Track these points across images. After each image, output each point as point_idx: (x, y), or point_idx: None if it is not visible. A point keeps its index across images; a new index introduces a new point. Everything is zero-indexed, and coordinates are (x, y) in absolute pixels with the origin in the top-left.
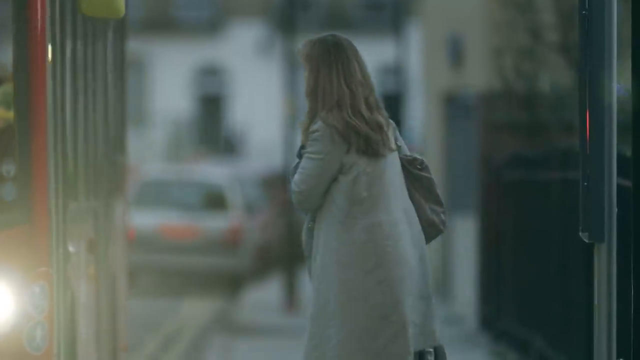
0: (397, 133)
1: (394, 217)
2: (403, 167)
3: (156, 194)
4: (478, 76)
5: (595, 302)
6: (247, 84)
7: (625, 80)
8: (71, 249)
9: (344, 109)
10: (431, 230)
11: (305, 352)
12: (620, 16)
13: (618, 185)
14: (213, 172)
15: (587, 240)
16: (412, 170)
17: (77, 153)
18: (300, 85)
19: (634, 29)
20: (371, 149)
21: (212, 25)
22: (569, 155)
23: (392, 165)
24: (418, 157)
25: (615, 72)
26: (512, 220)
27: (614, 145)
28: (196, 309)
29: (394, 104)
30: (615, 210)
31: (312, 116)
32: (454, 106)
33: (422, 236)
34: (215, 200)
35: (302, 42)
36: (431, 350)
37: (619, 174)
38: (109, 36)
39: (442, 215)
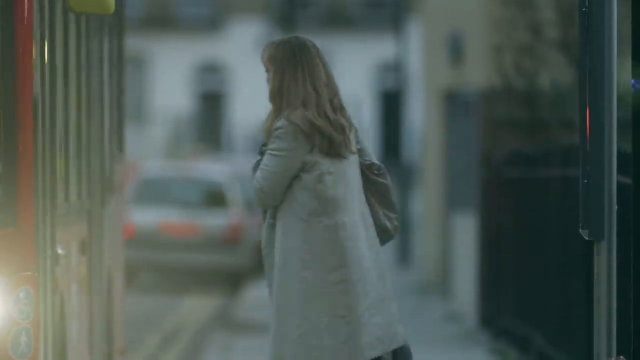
0: (360, 136)
1: (354, 219)
2: (361, 171)
3: (156, 192)
4: (478, 73)
5: (595, 299)
6: (247, 81)
7: (625, 78)
8: (60, 251)
9: (309, 109)
10: (383, 235)
11: (270, 345)
12: (620, 13)
13: (618, 183)
14: (213, 169)
15: (587, 238)
16: (369, 175)
17: (68, 152)
18: None
19: (634, 26)
20: (334, 150)
21: (211, 23)
22: (569, 152)
23: (352, 168)
24: (376, 162)
25: (615, 69)
26: (512, 218)
27: (614, 143)
28: (196, 307)
29: (394, 101)
30: (615, 207)
31: (277, 117)
32: (453, 103)
33: (377, 240)
34: (215, 198)
35: (264, 45)
36: (389, 352)
37: (619, 171)
38: (105, 33)
39: (395, 221)
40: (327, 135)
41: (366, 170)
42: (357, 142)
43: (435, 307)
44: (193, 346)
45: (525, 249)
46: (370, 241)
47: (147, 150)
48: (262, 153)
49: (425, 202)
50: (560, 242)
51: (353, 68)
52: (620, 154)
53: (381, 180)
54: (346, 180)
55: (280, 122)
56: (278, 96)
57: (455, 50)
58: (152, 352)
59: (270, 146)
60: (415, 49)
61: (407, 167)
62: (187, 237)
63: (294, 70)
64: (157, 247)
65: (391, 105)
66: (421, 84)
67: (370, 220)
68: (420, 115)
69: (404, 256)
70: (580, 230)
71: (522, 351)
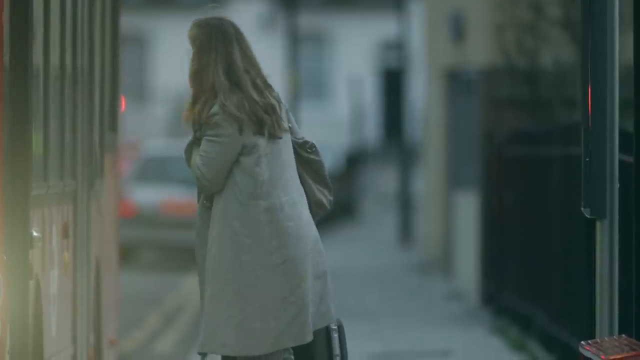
0: (290, 114)
1: (293, 198)
2: (294, 149)
3: (158, 170)
4: (480, 52)
5: (597, 277)
6: None
7: (627, 57)
8: (35, 233)
9: (236, 94)
10: (319, 210)
11: (206, 332)
12: None
13: (620, 161)
14: None
15: (588, 216)
16: (302, 153)
17: (47, 131)
18: (302, 61)
19: (635, 4)
20: (266, 132)
21: (213, 1)
22: (571, 130)
23: (287, 147)
24: (308, 140)
25: (617, 47)
26: (514, 196)
27: (615, 121)
28: (197, 286)
29: (396, 80)
30: (617, 185)
31: (197, 100)
32: (455, 82)
33: (311, 217)
34: None
35: (193, 20)
36: (335, 327)
37: (620, 149)
38: (96, 9)
39: (329, 196)
40: (258, 118)
41: (299, 148)
42: (288, 121)
43: (437, 286)
44: (194, 325)
45: (527, 228)
46: (309, 218)
47: (149, 129)
48: (198, 137)
49: (427, 181)
50: (562, 221)
51: (355, 47)
52: (622, 132)
53: (314, 157)
54: (282, 160)
55: (217, 108)
56: (197, 79)
57: (457, 29)
58: (153, 331)
59: (209, 132)
60: (417, 27)
61: (409, 146)
62: (188, 216)
63: (208, 56)
64: (159, 226)
65: (393, 84)
66: (423, 63)
67: (305, 198)
68: (422, 94)
69: (406, 235)
70: (582, 209)
71: (524, 329)
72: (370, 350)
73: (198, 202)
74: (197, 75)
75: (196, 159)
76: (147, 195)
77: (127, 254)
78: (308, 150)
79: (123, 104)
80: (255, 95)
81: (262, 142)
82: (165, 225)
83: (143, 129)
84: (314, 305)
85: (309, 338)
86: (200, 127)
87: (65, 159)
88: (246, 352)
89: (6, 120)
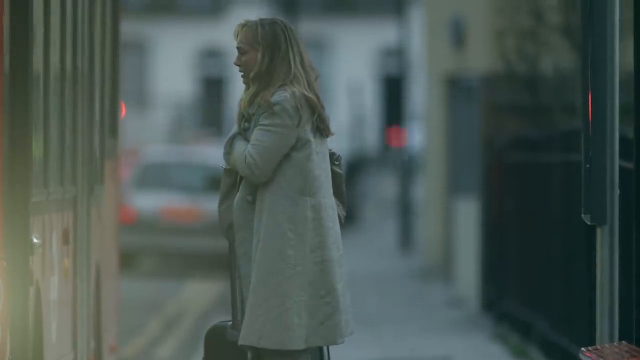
0: None
1: (332, 201)
2: None
3: (158, 176)
4: (480, 58)
5: (598, 283)
6: None
7: (627, 63)
8: (35, 240)
9: (302, 85)
10: None
11: (247, 322)
12: None
13: (620, 167)
14: (214, 154)
15: (589, 223)
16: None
17: (48, 137)
18: None
19: (635, 10)
20: (322, 126)
21: (213, 7)
22: (571, 137)
23: (327, 151)
24: (335, 152)
25: (617, 53)
26: (515, 203)
27: (616, 127)
28: (198, 291)
29: (396, 86)
30: (617, 192)
31: (259, 94)
32: (456, 88)
33: None
34: (217, 183)
35: (243, 23)
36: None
37: (620, 155)
38: (96, 12)
39: (343, 211)
40: (317, 112)
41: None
42: None
43: (437, 292)
44: (194, 331)
45: (527, 234)
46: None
47: (149, 135)
48: (245, 129)
49: (427, 187)
50: (563, 227)
51: (355, 53)
52: (622, 139)
53: (338, 170)
54: (326, 162)
55: (279, 98)
56: (266, 76)
57: (458, 35)
58: (153, 337)
59: (266, 121)
60: (418, 33)
61: (409, 152)
62: (189, 222)
63: (286, 50)
64: (159, 232)
65: (393, 90)
66: (423, 69)
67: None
68: (422, 100)
69: (406, 241)
70: (582, 215)
71: (524, 336)
72: (370, 356)
73: (219, 206)
74: (268, 71)
75: (248, 147)
76: (147, 202)
77: (127, 260)
78: (335, 162)
79: (123, 110)
80: (317, 91)
81: (314, 139)
82: (166, 231)
83: (143, 135)
84: (346, 313)
85: (340, 341)
86: (250, 118)
87: (66, 163)
88: (282, 346)
89: (6, 124)
